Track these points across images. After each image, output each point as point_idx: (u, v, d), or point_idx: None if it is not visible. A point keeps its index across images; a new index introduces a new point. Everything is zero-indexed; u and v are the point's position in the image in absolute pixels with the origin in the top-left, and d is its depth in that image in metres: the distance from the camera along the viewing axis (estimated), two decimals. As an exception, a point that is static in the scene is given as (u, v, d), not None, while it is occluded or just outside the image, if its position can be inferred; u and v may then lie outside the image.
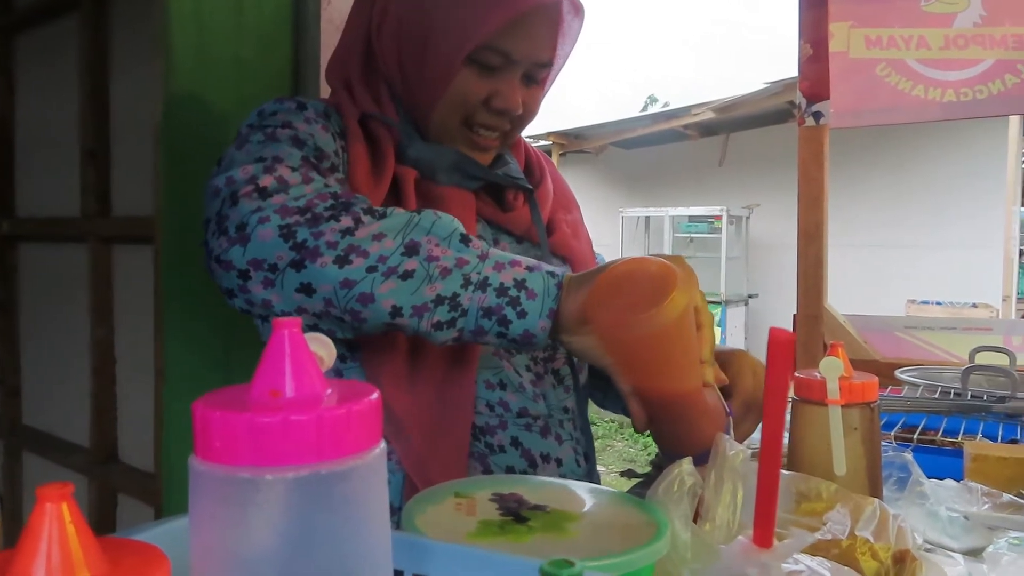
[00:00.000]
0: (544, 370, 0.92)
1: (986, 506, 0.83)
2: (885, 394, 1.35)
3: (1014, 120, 5.66)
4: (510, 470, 0.85)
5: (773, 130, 6.62)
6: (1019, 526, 0.80)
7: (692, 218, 7.07)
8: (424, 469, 0.80)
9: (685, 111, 6.84)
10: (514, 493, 0.62)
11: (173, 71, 1.02)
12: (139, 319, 1.21)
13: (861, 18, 1.79)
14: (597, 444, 2.64)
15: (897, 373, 1.53)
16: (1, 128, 1.54)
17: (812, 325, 1.85)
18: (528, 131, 1.00)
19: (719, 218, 6.81)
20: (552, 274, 0.72)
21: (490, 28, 0.83)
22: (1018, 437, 1.13)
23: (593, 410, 1.11)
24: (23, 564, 0.28)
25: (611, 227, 7.26)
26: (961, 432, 1.13)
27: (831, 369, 0.77)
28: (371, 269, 0.69)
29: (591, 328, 0.70)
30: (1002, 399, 1.25)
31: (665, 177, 7.73)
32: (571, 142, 7.72)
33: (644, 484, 0.99)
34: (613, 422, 6.21)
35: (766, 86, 6.00)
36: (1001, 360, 1.41)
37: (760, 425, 0.55)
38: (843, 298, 2.07)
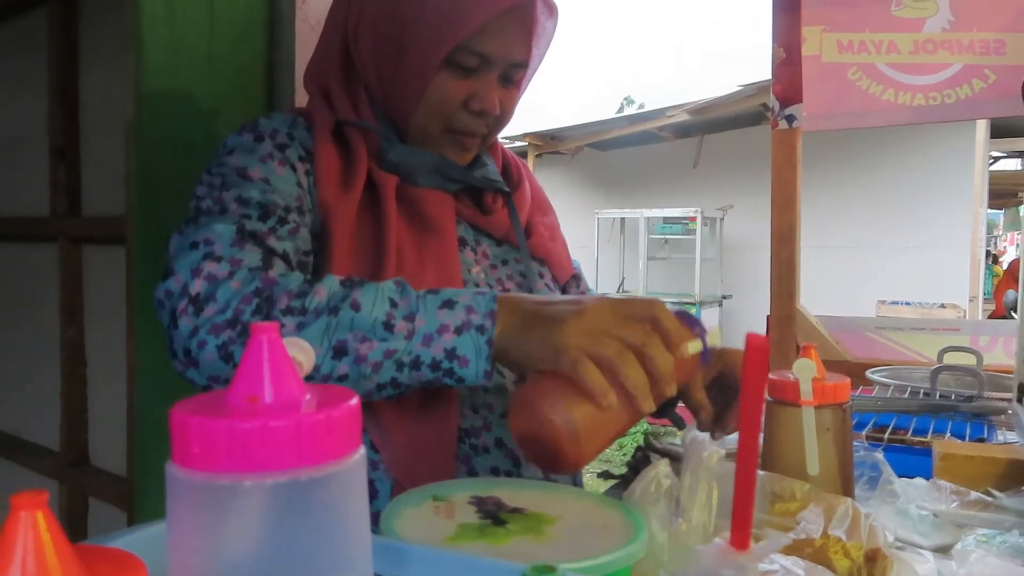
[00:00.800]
0: None
1: (955, 504, 0.85)
2: (856, 394, 1.37)
3: (981, 123, 5.76)
4: (495, 471, 0.85)
5: (746, 132, 6.68)
6: (987, 523, 0.81)
7: (667, 219, 7.11)
8: (412, 475, 0.80)
9: (660, 113, 6.88)
10: (492, 496, 0.62)
11: (144, 68, 1.01)
12: (110, 320, 1.19)
13: (833, 23, 1.82)
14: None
15: (868, 373, 1.55)
16: (-32, 125, 1.51)
17: (785, 326, 1.87)
18: (504, 132, 1.01)
19: (694, 219, 6.85)
20: (482, 329, 0.71)
21: (467, 29, 0.84)
22: (985, 436, 1.15)
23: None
24: (-3, 574, 0.27)
25: (587, 228, 7.28)
26: (930, 431, 1.15)
27: (804, 371, 0.77)
28: (307, 379, 0.69)
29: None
30: (970, 399, 1.28)
31: (640, 178, 7.77)
32: (547, 143, 7.73)
33: (620, 485, 1.00)
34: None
35: (740, 89, 6.05)
36: (968, 360, 1.44)
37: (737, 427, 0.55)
38: (814, 299, 2.10)
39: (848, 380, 0.81)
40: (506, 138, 6.27)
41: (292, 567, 0.33)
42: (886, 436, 1.10)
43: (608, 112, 8.22)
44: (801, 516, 0.68)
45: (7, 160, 1.48)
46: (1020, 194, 9.94)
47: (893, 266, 6.36)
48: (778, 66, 1.86)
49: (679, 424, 0.90)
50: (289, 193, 0.83)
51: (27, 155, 1.38)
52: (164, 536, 0.34)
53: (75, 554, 0.29)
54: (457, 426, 0.84)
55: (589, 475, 1.34)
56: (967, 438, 1.13)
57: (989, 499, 0.84)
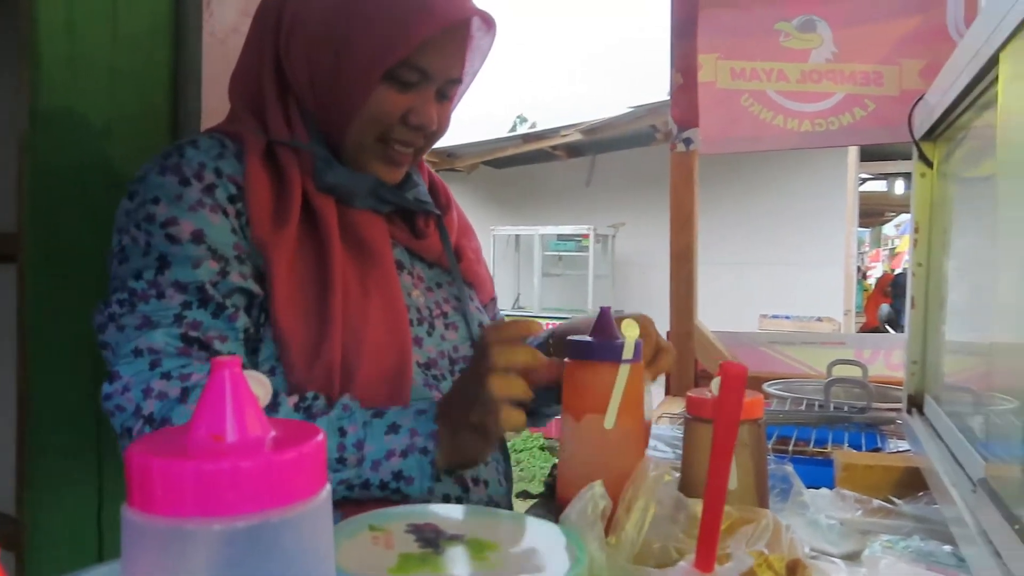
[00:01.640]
0: None
1: (859, 512, 0.90)
2: (758, 408, 1.42)
3: (852, 148, 6.16)
4: (446, 498, 0.87)
5: (637, 152, 6.89)
6: (889, 530, 0.86)
7: (561, 236, 7.24)
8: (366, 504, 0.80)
9: (554, 132, 7.01)
10: (429, 523, 0.62)
11: (41, 80, 0.95)
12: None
13: (726, 51, 1.91)
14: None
15: (764, 387, 1.62)
16: None
17: (684, 342, 1.93)
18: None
19: (587, 237, 7.01)
20: (425, 451, 0.78)
21: (411, 46, 0.84)
22: (879, 445, 1.23)
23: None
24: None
25: (483, 245, 7.29)
26: (829, 442, 1.21)
27: (723, 388, 0.80)
28: None
29: None
30: (862, 410, 1.35)
31: (535, 196, 7.89)
32: (443, 160, 7.73)
33: (540, 504, 1.01)
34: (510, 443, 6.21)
35: (631, 110, 6.23)
36: (855, 372, 1.53)
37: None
38: (703, 314, 2.17)
39: (761, 396, 0.84)
40: (403, 154, 6.21)
41: (266, 613, 0.31)
42: (791, 448, 1.15)
43: (501, 130, 8.29)
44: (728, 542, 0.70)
45: None
46: (886, 214, 10.69)
47: (773, 282, 6.69)
48: (676, 91, 1.93)
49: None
50: (225, 243, 0.81)
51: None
52: (116, 585, 0.32)
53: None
54: None
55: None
56: (863, 448, 1.19)
57: (890, 506, 0.90)
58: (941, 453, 0.91)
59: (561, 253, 7.32)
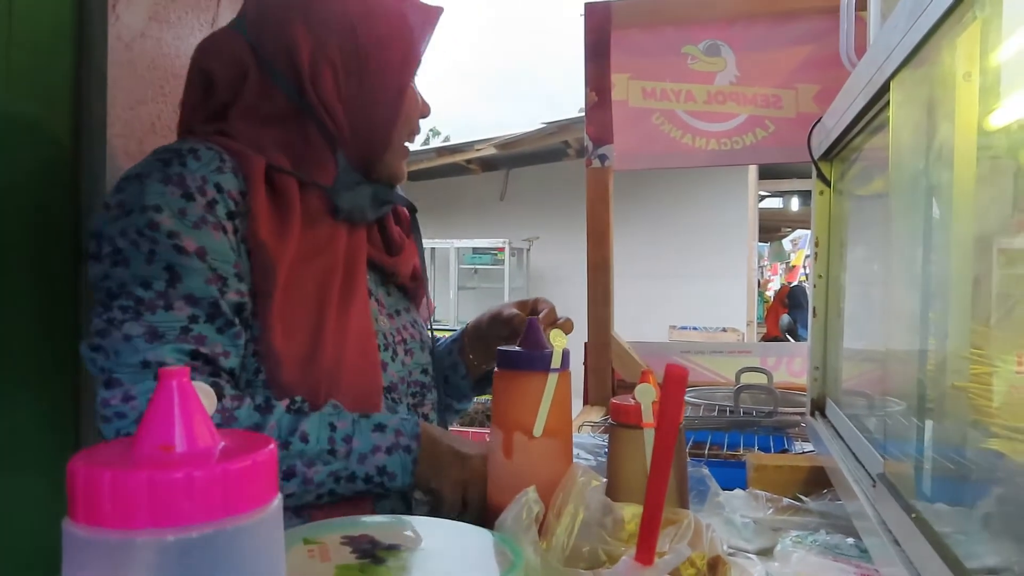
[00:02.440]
0: (417, 413, 1.01)
1: (770, 511, 0.94)
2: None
3: (752, 167, 6.43)
4: (393, 513, 0.90)
5: (550, 167, 7.01)
6: (798, 526, 0.91)
7: (476, 250, 7.28)
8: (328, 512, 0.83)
9: (468, 146, 7.05)
10: (364, 534, 0.62)
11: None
12: None
13: (637, 71, 1.97)
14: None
15: (678, 395, 1.68)
16: None
17: (601, 353, 1.98)
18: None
19: (502, 250, 7.06)
20: (408, 449, 0.85)
21: (423, 42, 0.93)
22: (787, 447, 1.29)
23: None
24: None
25: (397, 258, 7.26)
26: (741, 445, 1.26)
27: (645, 394, 0.83)
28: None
29: None
30: (769, 414, 1.42)
31: (450, 210, 7.90)
32: (355, 172, 7.65)
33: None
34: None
35: (543, 126, 6.34)
36: (761, 379, 1.60)
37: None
38: (617, 325, 2.22)
39: (682, 403, 0.88)
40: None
41: (224, 621, 0.31)
42: (706, 451, 1.20)
43: (415, 143, 8.24)
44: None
45: None
46: (783, 229, 11.16)
47: (681, 294, 6.89)
48: (591, 109, 1.98)
49: None
50: (227, 260, 0.83)
51: None
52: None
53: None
54: None
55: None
56: (772, 450, 1.25)
57: (798, 504, 0.95)
58: (843, 452, 0.97)
59: (477, 266, 7.35)
